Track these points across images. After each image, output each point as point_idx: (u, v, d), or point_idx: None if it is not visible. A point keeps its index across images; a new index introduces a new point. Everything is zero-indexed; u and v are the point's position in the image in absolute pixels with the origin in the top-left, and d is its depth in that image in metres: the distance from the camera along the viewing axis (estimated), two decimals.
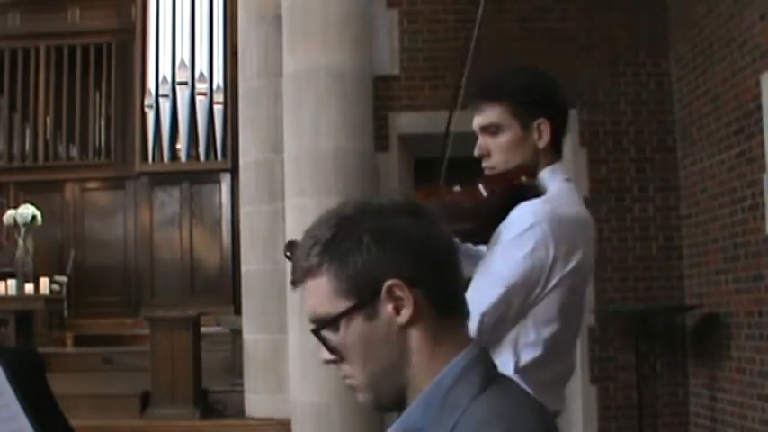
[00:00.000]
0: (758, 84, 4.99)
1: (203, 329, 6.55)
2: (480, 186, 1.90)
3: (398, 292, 1.04)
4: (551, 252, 1.81)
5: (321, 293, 1.06)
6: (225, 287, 9.29)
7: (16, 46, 9.81)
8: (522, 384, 1.78)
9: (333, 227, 1.06)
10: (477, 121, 1.97)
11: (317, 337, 1.09)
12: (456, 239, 1.98)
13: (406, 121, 6.34)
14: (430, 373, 1.05)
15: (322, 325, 1.07)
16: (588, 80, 6.25)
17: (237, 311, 7.57)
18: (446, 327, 1.07)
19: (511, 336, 1.84)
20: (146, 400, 6.12)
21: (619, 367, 6.08)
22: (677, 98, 6.25)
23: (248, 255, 6.18)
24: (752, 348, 5.18)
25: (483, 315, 1.79)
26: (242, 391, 6.09)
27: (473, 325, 1.76)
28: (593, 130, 6.25)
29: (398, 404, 1.08)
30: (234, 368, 6.45)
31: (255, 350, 5.98)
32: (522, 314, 1.84)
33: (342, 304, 1.05)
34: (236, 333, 6.37)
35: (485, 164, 1.97)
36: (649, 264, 6.22)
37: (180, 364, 5.99)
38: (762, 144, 4.95)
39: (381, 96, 6.01)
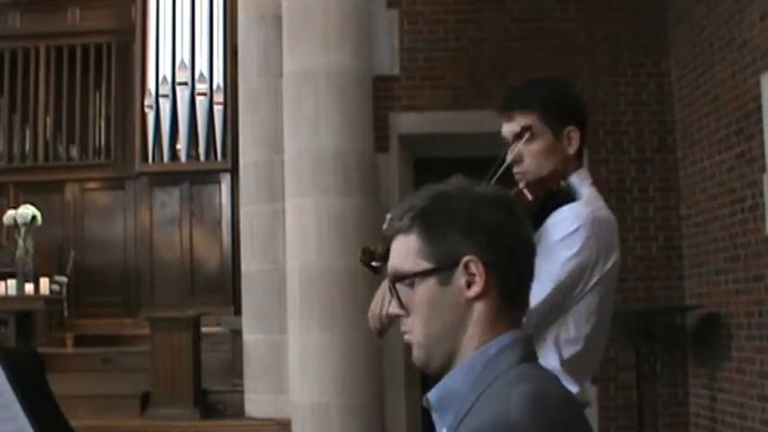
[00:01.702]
0: (758, 84, 4.99)
1: (203, 329, 6.55)
2: (525, 191, 2.00)
3: (473, 269, 1.16)
4: (594, 252, 1.92)
5: (407, 251, 1.19)
6: (225, 287, 9.27)
7: (16, 46, 9.79)
8: (567, 377, 1.89)
9: (431, 197, 1.20)
10: (509, 128, 2.06)
11: (393, 289, 1.21)
12: None
13: (406, 121, 6.34)
14: (477, 345, 1.17)
15: (400, 278, 1.20)
16: (588, 80, 6.25)
17: (237, 311, 7.56)
18: (505, 312, 1.19)
19: (552, 333, 1.94)
20: (146, 401, 6.12)
21: (619, 367, 6.08)
22: (677, 98, 6.25)
23: (248, 255, 6.17)
24: (752, 348, 5.18)
25: (531, 312, 1.89)
26: (242, 392, 6.08)
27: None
28: (594, 130, 6.25)
29: (444, 368, 1.19)
30: (234, 368, 6.44)
31: (255, 350, 5.97)
32: (562, 311, 1.94)
33: (423, 264, 1.18)
34: (236, 333, 6.37)
35: (516, 169, 2.06)
36: (649, 264, 6.22)
37: (180, 364, 5.98)
38: (762, 144, 4.95)
39: (381, 96, 6.01)
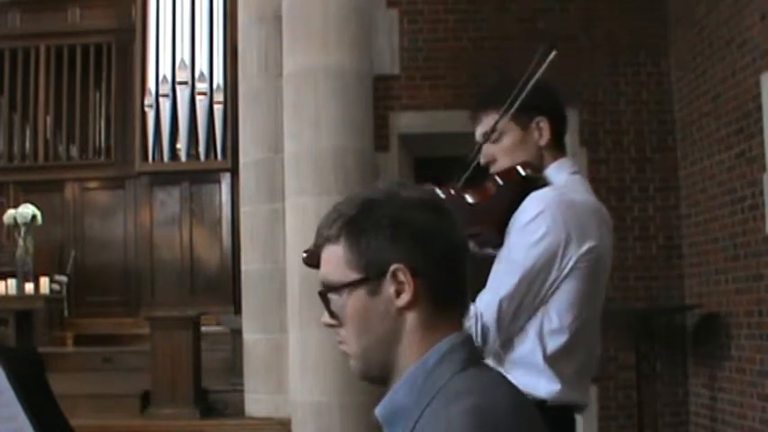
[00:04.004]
0: (758, 84, 4.99)
1: (203, 329, 6.55)
2: (488, 184, 1.97)
3: (401, 277, 1.12)
4: (563, 234, 1.86)
5: (336, 261, 1.16)
6: (225, 287, 9.27)
7: (16, 46, 9.79)
8: (552, 377, 1.87)
9: (358, 205, 1.16)
10: (479, 130, 2.06)
11: (323, 299, 1.19)
12: (472, 244, 2.02)
13: (406, 121, 6.35)
14: (417, 355, 1.14)
15: (328, 289, 1.18)
16: (588, 80, 6.26)
17: (237, 311, 7.57)
18: (441, 317, 1.15)
19: (534, 324, 1.89)
20: (146, 400, 6.12)
21: (619, 367, 6.08)
22: (677, 98, 6.25)
23: (248, 255, 6.17)
24: (752, 348, 5.18)
25: (501, 300, 1.85)
26: (242, 391, 6.09)
27: (492, 311, 1.83)
28: (593, 130, 6.25)
29: (383, 378, 1.17)
30: (234, 368, 6.44)
31: (255, 350, 5.97)
32: (542, 300, 1.88)
33: (350, 275, 1.15)
34: (236, 333, 6.37)
35: (492, 170, 2.03)
36: (649, 264, 6.22)
37: (180, 363, 5.98)
38: (762, 144, 4.95)
39: (381, 96, 6.01)
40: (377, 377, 1.18)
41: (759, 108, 4.98)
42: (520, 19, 6.40)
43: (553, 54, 1.98)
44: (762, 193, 4.99)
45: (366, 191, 1.19)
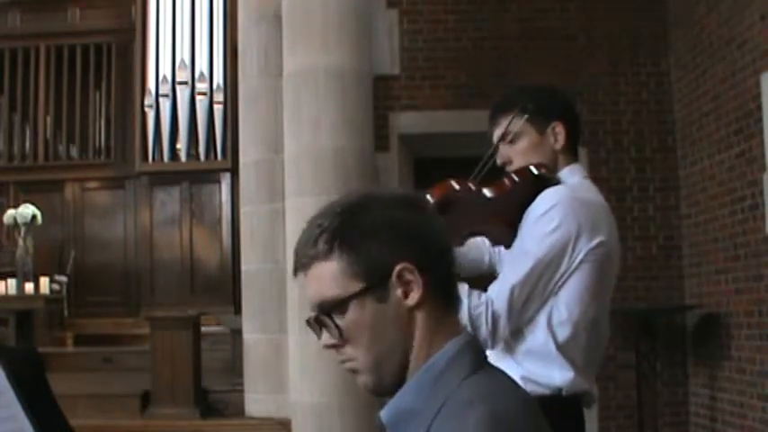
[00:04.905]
0: (758, 84, 4.99)
1: (203, 329, 6.55)
2: (504, 180, 2.05)
3: (408, 276, 1.09)
4: (574, 227, 1.92)
5: (330, 277, 1.10)
6: (225, 287, 9.27)
7: (16, 46, 9.80)
8: (565, 365, 1.92)
9: (339, 214, 1.11)
10: (497, 132, 2.13)
11: (321, 321, 1.12)
12: (486, 240, 2.13)
13: (406, 121, 6.34)
14: (425, 356, 1.10)
15: (329, 307, 1.11)
16: (588, 80, 6.26)
17: (237, 311, 7.57)
18: (445, 315, 1.13)
19: (544, 315, 1.94)
20: (146, 400, 6.12)
21: (619, 367, 6.08)
22: (677, 98, 6.25)
23: (248, 254, 6.17)
24: (752, 348, 5.18)
25: (513, 287, 1.91)
26: (242, 391, 6.09)
27: (503, 297, 1.89)
28: (593, 130, 6.25)
29: (397, 386, 1.12)
30: (234, 368, 6.44)
31: (255, 350, 5.97)
32: (552, 292, 1.94)
33: (353, 286, 1.09)
34: (236, 333, 6.37)
35: (508, 169, 2.10)
36: (649, 263, 6.22)
37: (180, 364, 5.98)
38: (762, 144, 4.95)
39: (381, 96, 6.01)
40: (390, 386, 1.12)
41: (759, 108, 4.98)
42: (520, 19, 6.40)
43: (525, 117, 2.06)
44: (762, 193, 4.99)
45: (339, 200, 1.14)
